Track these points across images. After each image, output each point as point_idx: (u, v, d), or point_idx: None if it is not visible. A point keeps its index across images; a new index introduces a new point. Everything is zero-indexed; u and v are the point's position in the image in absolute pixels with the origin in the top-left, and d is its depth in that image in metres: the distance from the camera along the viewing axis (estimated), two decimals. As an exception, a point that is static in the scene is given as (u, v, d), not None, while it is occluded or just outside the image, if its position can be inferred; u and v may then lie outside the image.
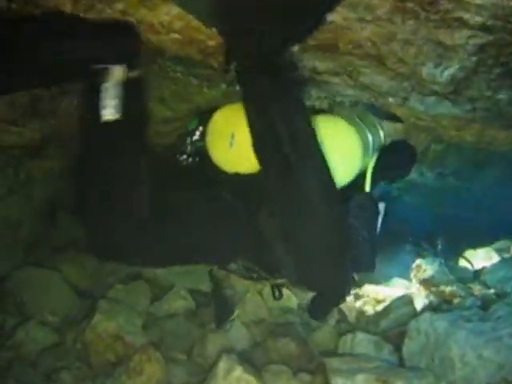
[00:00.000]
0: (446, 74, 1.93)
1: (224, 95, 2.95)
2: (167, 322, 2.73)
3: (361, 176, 2.14)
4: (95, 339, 2.32)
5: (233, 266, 2.17)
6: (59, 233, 3.29)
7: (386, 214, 2.18)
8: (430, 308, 2.57)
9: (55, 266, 2.94)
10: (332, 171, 1.75)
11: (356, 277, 2.19)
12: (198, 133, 2.21)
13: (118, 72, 1.60)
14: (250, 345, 2.63)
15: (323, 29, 1.70)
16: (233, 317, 2.51)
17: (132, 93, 1.65)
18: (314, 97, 2.60)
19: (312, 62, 2.12)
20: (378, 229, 2.13)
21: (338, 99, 2.57)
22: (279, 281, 2.19)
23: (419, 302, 2.69)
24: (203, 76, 2.66)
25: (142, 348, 2.22)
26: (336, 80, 2.31)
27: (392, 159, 2.37)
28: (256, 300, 2.95)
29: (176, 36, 1.84)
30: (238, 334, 2.64)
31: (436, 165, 3.89)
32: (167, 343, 2.59)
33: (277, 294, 2.36)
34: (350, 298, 3.04)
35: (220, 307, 2.58)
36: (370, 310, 3.00)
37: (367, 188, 2.13)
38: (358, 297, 3.17)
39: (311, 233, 1.72)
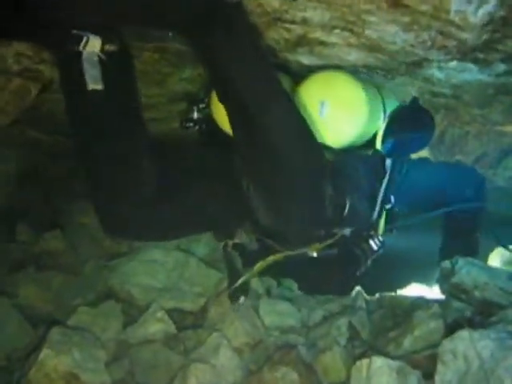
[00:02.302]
0: (482, 11, 1.44)
1: (201, 76, 2.49)
2: (142, 351, 2.24)
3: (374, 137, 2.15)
4: (43, 380, 1.83)
5: (244, 236, 2.17)
6: (18, 247, 2.82)
7: (393, 171, 2.16)
8: (464, 321, 2.06)
9: (10, 287, 2.47)
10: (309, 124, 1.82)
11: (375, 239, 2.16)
12: (205, 100, 2.24)
13: (94, 42, 1.57)
14: (242, 375, 2.14)
15: None
16: (239, 282, 2.26)
17: (114, 66, 1.63)
18: (307, 65, 2.12)
19: (302, 11, 1.65)
20: (384, 185, 2.13)
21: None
22: (291, 252, 2.10)
23: (449, 314, 2.18)
24: (173, 53, 2.21)
25: (99, 390, 1.73)
26: (333, 39, 1.82)
27: (405, 120, 2.23)
28: (251, 318, 2.46)
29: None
30: (227, 361, 2.15)
31: (454, 152, 3.42)
32: (141, 376, 2.11)
33: None
34: (361, 310, 2.56)
35: (232, 270, 2.39)
36: (387, 324, 2.49)
37: (378, 145, 2.13)
38: (371, 306, 2.69)
39: (282, 184, 1.77)
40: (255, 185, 1.87)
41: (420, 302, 2.43)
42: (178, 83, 2.54)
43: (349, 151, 2.09)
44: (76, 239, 2.95)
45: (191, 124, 2.28)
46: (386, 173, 2.15)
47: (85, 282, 2.70)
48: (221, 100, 1.74)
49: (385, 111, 2.15)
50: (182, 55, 2.22)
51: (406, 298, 2.69)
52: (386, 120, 2.15)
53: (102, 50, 1.58)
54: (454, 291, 2.31)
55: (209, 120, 2.23)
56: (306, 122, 1.81)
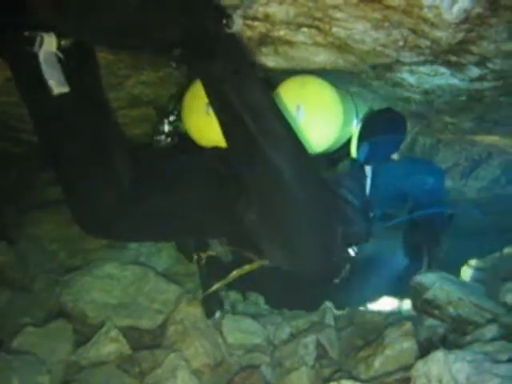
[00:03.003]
0: (457, 8, 1.33)
1: (162, 79, 2.35)
2: (93, 374, 2.05)
3: (348, 143, 2.13)
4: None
5: (219, 248, 2.17)
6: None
7: (375, 177, 2.16)
8: (438, 340, 1.95)
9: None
10: (304, 139, 1.78)
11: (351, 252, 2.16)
12: (175, 112, 2.20)
13: (49, 40, 1.43)
14: (201, 400, 1.98)
15: None
16: (213, 289, 2.27)
17: (75, 63, 1.53)
18: (270, 68, 1.99)
19: (264, 6, 1.52)
20: (368, 193, 2.12)
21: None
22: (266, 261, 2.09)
23: (422, 332, 2.06)
24: (129, 54, 2.06)
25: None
26: (300, 37, 1.69)
27: (378, 123, 2.25)
28: (213, 336, 2.30)
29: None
30: (186, 385, 1.99)
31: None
32: (92, 403, 1.93)
33: None
34: (329, 327, 2.42)
35: (206, 282, 2.38)
36: (357, 342, 2.37)
37: (353, 153, 2.10)
38: (340, 323, 2.55)
39: (286, 207, 1.66)
40: (260, 221, 1.74)
41: (392, 319, 2.31)
42: (137, 86, 2.38)
43: (323, 157, 2.07)
44: (26, 252, 2.75)
45: (162, 137, 2.20)
46: (366, 179, 2.15)
47: (34, 299, 2.50)
48: (224, 129, 1.67)
49: (357, 115, 2.14)
50: (138, 56, 2.07)
51: (376, 313, 2.57)
52: (360, 124, 2.14)
53: (58, 47, 1.47)
54: (426, 307, 2.20)
55: (180, 133, 2.18)
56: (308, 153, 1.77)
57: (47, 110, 1.55)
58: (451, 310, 2.10)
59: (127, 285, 2.51)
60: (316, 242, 1.78)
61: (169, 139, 2.20)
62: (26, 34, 1.42)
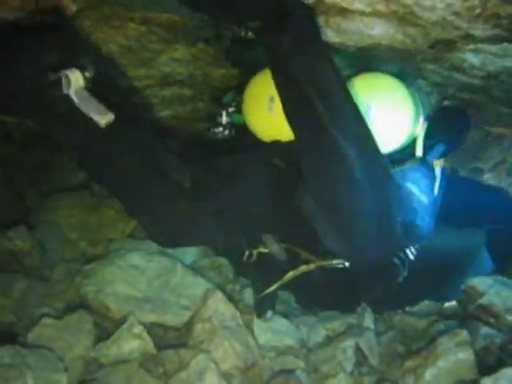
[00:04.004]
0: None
1: (195, 57, 2.17)
2: (113, 373, 1.90)
3: (412, 143, 2.05)
4: (-15, 412, 1.49)
5: (275, 246, 2.09)
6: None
7: (444, 180, 2.08)
8: (498, 350, 1.75)
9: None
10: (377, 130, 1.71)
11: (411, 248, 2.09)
12: (234, 104, 2.19)
13: (75, 76, 1.41)
14: (230, 407, 1.81)
15: None
16: (268, 290, 2.21)
17: (105, 87, 1.56)
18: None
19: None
20: (436, 195, 2.03)
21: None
22: (325, 262, 2.05)
23: (477, 342, 1.86)
24: (163, 26, 1.89)
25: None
26: (357, 5, 1.51)
27: (444, 122, 2.18)
28: (244, 337, 2.12)
29: None
30: (213, 389, 1.82)
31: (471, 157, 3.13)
32: (112, 404, 1.77)
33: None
34: (368, 331, 2.23)
35: (257, 281, 2.37)
36: (398, 348, 2.17)
37: (419, 152, 2.03)
38: (379, 327, 2.36)
39: (352, 198, 1.65)
40: (321, 205, 1.73)
41: (440, 326, 2.11)
42: (169, 64, 2.21)
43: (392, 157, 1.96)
44: (46, 239, 2.59)
45: (220, 129, 2.19)
46: (435, 180, 2.06)
47: (52, 289, 2.34)
48: (289, 111, 1.65)
49: (423, 113, 2.07)
50: (173, 29, 1.91)
51: (418, 318, 2.36)
52: (426, 122, 2.07)
53: (84, 79, 1.45)
54: (480, 313, 2.00)
55: (238, 125, 2.17)
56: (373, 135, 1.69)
57: (101, 145, 1.55)
58: (510, 318, 1.90)
59: (152, 277, 2.33)
60: (374, 230, 1.73)
61: (227, 131, 2.18)
62: (52, 77, 1.37)
